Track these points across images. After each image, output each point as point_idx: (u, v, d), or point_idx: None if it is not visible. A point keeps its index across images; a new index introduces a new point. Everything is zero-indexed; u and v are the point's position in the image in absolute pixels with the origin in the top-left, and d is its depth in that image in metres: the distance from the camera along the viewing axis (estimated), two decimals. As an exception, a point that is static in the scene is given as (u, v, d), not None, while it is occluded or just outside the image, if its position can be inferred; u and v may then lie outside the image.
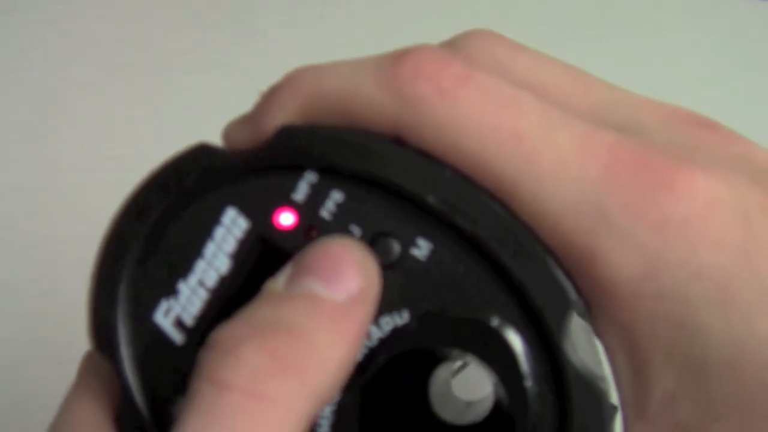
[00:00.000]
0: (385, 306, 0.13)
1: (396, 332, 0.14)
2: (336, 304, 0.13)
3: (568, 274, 0.13)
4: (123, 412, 0.14)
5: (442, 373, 0.14)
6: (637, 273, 0.12)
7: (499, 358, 0.13)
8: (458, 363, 0.13)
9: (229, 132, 0.15)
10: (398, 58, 0.13)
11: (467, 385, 0.14)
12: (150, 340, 0.14)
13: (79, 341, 0.49)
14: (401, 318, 0.14)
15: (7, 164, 0.49)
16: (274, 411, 0.12)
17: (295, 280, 0.13)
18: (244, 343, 0.12)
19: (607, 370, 0.13)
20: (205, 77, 0.52)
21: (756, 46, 0.53)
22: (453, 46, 0.15)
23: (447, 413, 0.13)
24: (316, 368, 0.12)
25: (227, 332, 0.13)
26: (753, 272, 0.12)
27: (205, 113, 0.50)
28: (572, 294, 0.13)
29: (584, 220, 0.12)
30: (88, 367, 0.15)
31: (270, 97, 0.14)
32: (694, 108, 0.15)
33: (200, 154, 0.14)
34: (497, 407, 0.13)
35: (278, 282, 0.13)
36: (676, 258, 0.12)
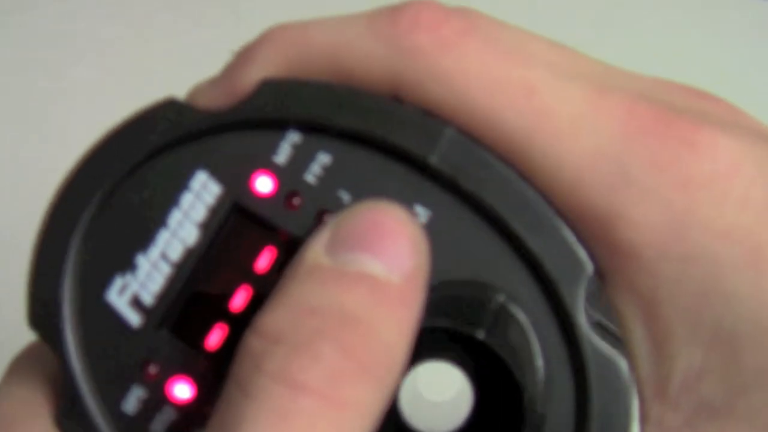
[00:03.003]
0: None
1: None
2: (396, 288, 0.11)
3: (583, 241, 0.12)
4: (64, 408, 0.12)
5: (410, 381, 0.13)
6: (662, 234, 0.11)
7: (509, 335, 0.12)
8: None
9: (197, 93, 0.13)
10: (395, 9, 0.12)
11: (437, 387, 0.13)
12: (101, 322, 0.12)
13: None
14: None
15: (7, 164, 0.49)
16: (354, 417, 0.11)
17: (342, 252, 0.11)
18: (319, 339, 0.11)
19: (623, 345, 0.12)
20: (204, 77, 0.52)
21: (756, 46, 0.53)
22: None
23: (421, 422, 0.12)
24: (388, 367, 0.11)
25: (286, 321, 0.11)
26: None
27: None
28: (588, 263, 0.12)
29: (604, 177, 0.11)
30: (32, 349, 0.13)
31: (247, 53, 0.13)
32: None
33: (169, 109, 0.12)
34: (508, 390, 0.12)
35: (318, 252, 0.12)
36: (703, 217, 0.11)
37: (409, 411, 0.13)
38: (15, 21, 0.49)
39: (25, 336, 0.47)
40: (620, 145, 0.11)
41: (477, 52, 0.12)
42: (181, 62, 0.51)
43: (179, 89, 0.53)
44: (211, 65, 0.53)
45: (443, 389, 0.13)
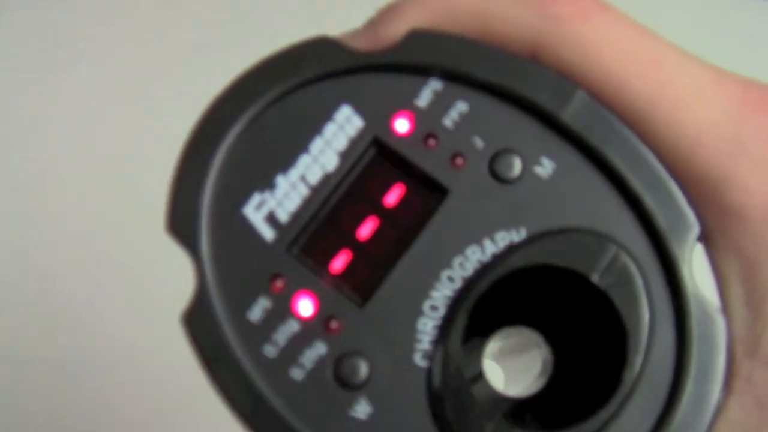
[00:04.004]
0: (502, 222, 0.13)
1: (511, 248, 0.13)
2: None
3: (692, 203, 0.13)
4: (193, 309, 0.13)
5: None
6: None
7: (618, 281, 0.13)
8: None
9: (346, 37, 0.14)
10: None
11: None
12: (236, 233, 0.13)
13: (78, 341, 0.49)
14: (518, 235, 0.13)
15: (7, 164, 0.49)
16: None
17: None
18: None
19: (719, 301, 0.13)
20: (206, 77, 0.51)
21: (756, 46, 0.53)
22: None
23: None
24: None
25: None
26: None
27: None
28: (696, 222, 0.13)
29: (721, 144, 0.13)
30: None
31: (395, 8, 0.14)
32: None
33: (322, 45, 0.13)
34: (611, 333, 0.13)
35: None
36: None
37: (492, 373, 0.14)
38: (15, 21, 0.49)
39: (25, 336, 0.47)
40: (736, 118, 0.13)
41: (613, 24, 0.13)
42: (181, 62, 0.51)
43: (179, 89, 0.53)
44: (211, 65, 0.53)
45: (525, 353, 0.14)
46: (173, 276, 0.55)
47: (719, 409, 0.13)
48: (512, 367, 0.14)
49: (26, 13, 0.48)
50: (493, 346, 0.14)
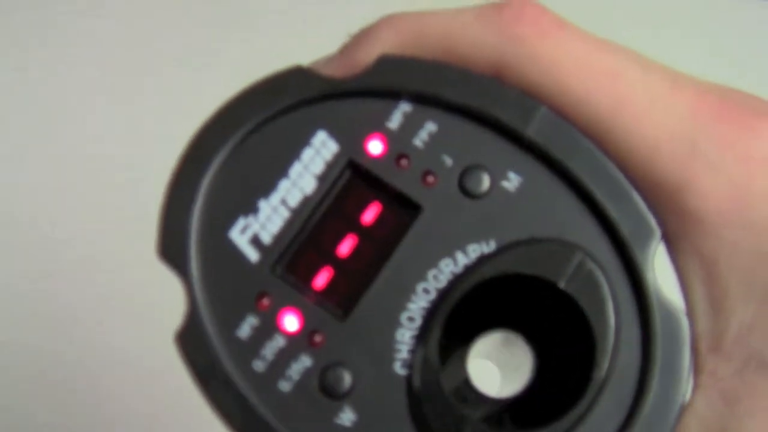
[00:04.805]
0: (473, 234, 0.14)
1: (482, 260, 0.14)
2: None
3: (653, 209, 0.14)
4: (185, 329, 0.14)
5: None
6: (725, 203, 0.13)
7: (585, 288, 0.13)
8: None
9: (318, 64, 0.15)
10: (501, 4, 0.14)
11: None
12: (223, 256, 0.14)
13: (77, 341, 0.49)
14: (488, 246, 0.14)
15: (7, 164, 0.49)
16: None
17: None
18: None
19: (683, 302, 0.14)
20: (204, 77, 0.52)
21: (756, 46, 0.53)
22: None
23: None
24: None
25: None
26: None
27: (205, 113, 0.50)
28: (657, 228, 0.14)
29: (676, 152, 0.13)
30: None
31: (366, 33, 0.15)
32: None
33: (295, 75, 0.14)
34: (580, 335, 0.13)
35: None
36: (761, 189, 0.13)
37: (475, 376, 0.14)
38: (15, 21, 0.49)
39: (24, 336, 0.47)
40: (691, 125, 0.13)
41: (571, 42, 0.14)
42: (181, 62, 0.51)
43: (179, 89, 0.53)
44: (211, 65, 0.53)
45: (507, 356, 0.15)
46: (173, 276, 0.55)
47: (686, 405, 0.13)
48: (498, 366, 0.15)
49: (26, 13, 0.48)
50: (477, 347, 0.14)
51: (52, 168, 0.49)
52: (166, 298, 0.52)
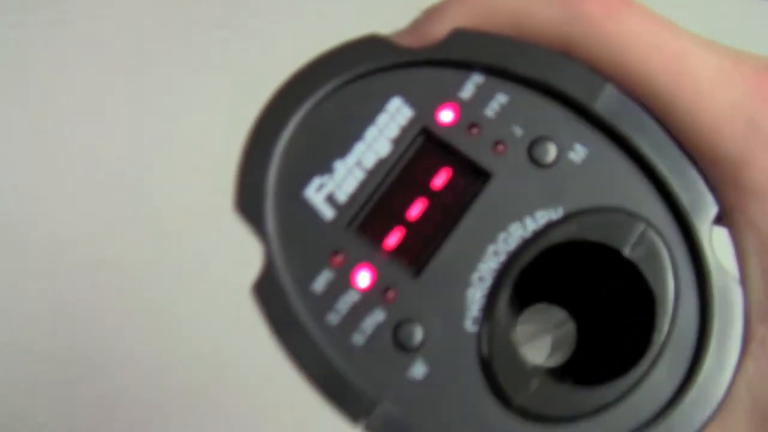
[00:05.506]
0: (541, 202, 0.15)
1: (549, 226, 0.14)
2: None
3: (711, 184, 0.14)
4: (262, 280, 0.14)
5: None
6: None
7: (647, 256, 0.14)
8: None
9: (394, 36, 0.15)
10: None
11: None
12: (298, 213, 0.14)
13: (77, 340, 0.49)
14: (556, 213, 0.15)
15: (7, 165, 0.49)
16: None
17: None
18: None
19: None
20: (204, 77, 0.52)
21: (756, 46, 0.53)
22: None
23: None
24: None
25: None
26: None
27: (205, 113, 0.50)
28: (714, 202, 0.14)
29: (737, 128, 0.14)
30: None
31: (438, 9, 0.15)
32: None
33: (372, 43, 0.15)
34: (640, 301, 0.14)
35: None
36: None
37: (522, 345, 0.15)
38: (15, 21, 0.49)
39: (24, 336, 0.47)
40: (751, 103, 0.14)
41: (636, 20, 0.15)
42: (181, 62, 0.51)
43: (179, 89, 0.53)
44: (211, 65, 0.53)
45: (551, 327, 0.16)
46: (172, 276, 0.55)
47: (738, 370, 0.14)
48: (540, 342, 0.16)
49: (27, 13, 0.48)
50: (523, 323, 0.15)
51: (51, 168, 0.49)
52: (168, 297, 0.52)
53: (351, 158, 0.15)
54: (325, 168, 0.15)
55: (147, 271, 0.45)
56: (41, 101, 0.49)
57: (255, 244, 0.15)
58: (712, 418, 0.14)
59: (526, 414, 0.14)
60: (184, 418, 0.44)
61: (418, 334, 0.14)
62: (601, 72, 0.15)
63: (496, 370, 0.14)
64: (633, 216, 0.14)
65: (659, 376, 0.14)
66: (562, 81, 0.15)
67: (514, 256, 0.14)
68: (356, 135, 0.15)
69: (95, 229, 0.48)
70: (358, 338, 0.14)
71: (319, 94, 0.15)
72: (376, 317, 0.14)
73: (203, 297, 0.42)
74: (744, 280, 0.14)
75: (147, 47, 0.51)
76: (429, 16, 0.15)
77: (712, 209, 0.14)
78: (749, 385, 0.14)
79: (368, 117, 0.15)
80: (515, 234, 0.14)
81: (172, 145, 0.47)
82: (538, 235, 0.14)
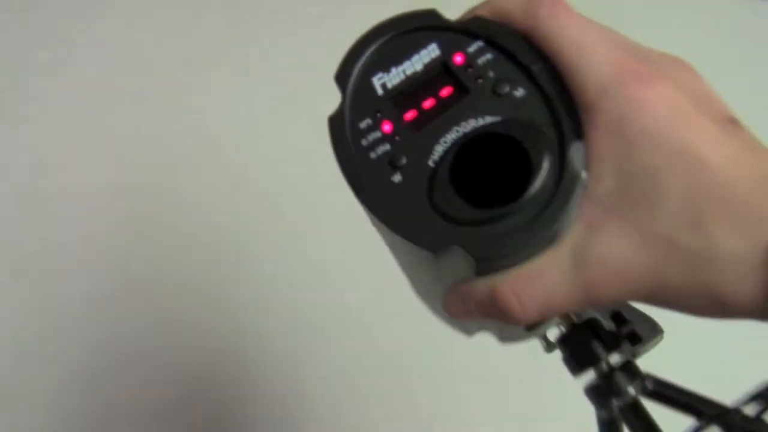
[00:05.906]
0: (491, 111, 0.26)
1: (491, 123, 0.26)
2: None
3: (578, 116, 0.25)
4: (336, 116, 0.27)
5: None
6: (613, 120, 0.25)
7: (534, 145, 0.25)
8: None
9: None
10: None
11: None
12: (365, 87, 0.28)
13: (77, 340, 0.49)
14: (495, 119, 0.26)
15: (6, 165, 0.49)
16: None
17: None
18: None
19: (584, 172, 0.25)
20: (204, 77, 0.52)
21: (756, 46, 0.53)
22: None
23: None
24: None
25: None
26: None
27: (205, 113, 0.50)
28: (579, 126, 0.25)
29: (600, 76, 0.25)
30: None
31: (476, 7, 0.28)
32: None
33: (430, 13, 0.28)
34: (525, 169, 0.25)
35: None
36: (635, 127, 0.24)
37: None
38: (15, 21, 0.49)
39: (24, 336, 0.46)
40: (610, 70, 0.25)
41: (567, 21, 0.26)
42: (181, 62, 0.51)
43: (179, 89, 0.52)
44: (211, 65, 0.53)
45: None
46: (173, 276, 0.55)
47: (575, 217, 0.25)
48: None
49: (26, 13, 0.48)
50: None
51: (52, 168, 0.48)
52: (169, 297, 0.52)
53: (401, 68, 0.28)
54: (386, 69, 0.28)
55: (148, 270, 0.45)
56: (41, 101, 0.49)
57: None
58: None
59: (445, 216, 0.25)
60: (186, 418, 0.44)
61: (402, 159, 0.26)
62: (541, 48, 0.26)
63: (434, 188, 0.26)
64: (532, 124, 0.26)
65: (532, 201, 0.25)
66: (521, 53, 0.27)
67: (466, 135, 0.26)
68: (408, 56, 0.28)
69: (95, 229, 0.48)
70: (373, 155, 0.27)
71: (390, 33, 0.28)
72: (385, 147, 0.27)
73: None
74: (588, 169, 0.25)
75: (148, 47, 0.51)
76: (472, 9, 0.28)
77: (579, 131, 0.25)
78: (573, 239, 0.25)
79: (416, 49, 0.28)
80: (471, 123, 0.26)
81: (172, 145, 0.47)
82: (484, 126, 0.26)
